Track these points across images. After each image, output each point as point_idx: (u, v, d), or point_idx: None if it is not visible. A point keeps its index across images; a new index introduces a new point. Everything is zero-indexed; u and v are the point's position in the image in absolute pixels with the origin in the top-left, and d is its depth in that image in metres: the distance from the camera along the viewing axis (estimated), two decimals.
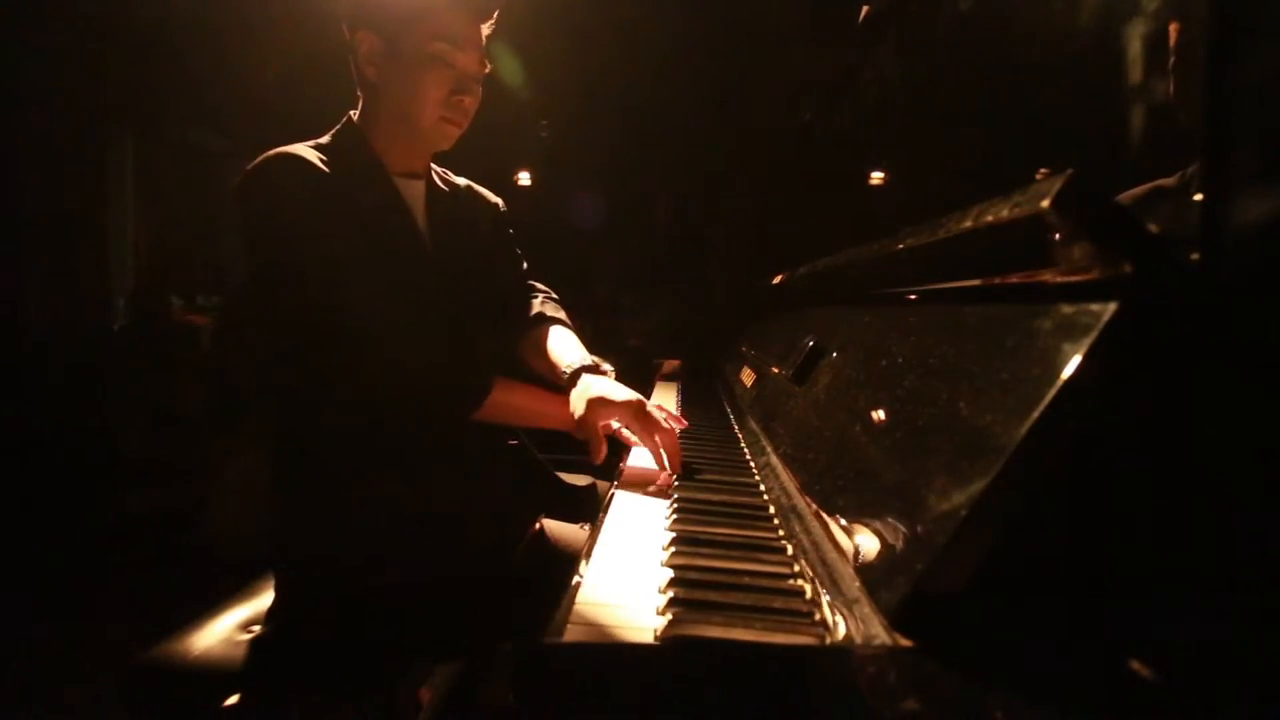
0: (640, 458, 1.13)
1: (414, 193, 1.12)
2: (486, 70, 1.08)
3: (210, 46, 3.53)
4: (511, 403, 1.06)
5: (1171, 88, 0.71)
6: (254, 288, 1.04)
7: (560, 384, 1.10)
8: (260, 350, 1.09)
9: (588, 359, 1.11)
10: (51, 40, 3.56)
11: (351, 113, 1.10)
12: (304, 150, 1.00)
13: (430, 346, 1.00)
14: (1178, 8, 0.63)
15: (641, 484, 0.98)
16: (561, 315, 1.30)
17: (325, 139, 1.06)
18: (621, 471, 1.06)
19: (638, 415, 0.99)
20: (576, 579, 0.64)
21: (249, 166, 0.97)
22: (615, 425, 1.05)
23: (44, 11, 3.41)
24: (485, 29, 1.07)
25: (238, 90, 3.77)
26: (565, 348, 1.17)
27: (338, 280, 0.96)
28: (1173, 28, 0.73)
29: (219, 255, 5.23)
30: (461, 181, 1.26)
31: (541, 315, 1.27)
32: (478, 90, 1.07)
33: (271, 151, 0.98)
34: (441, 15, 1.01)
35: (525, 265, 1.35)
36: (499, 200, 1.31)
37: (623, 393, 1.02)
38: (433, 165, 1.18)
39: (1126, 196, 0.67)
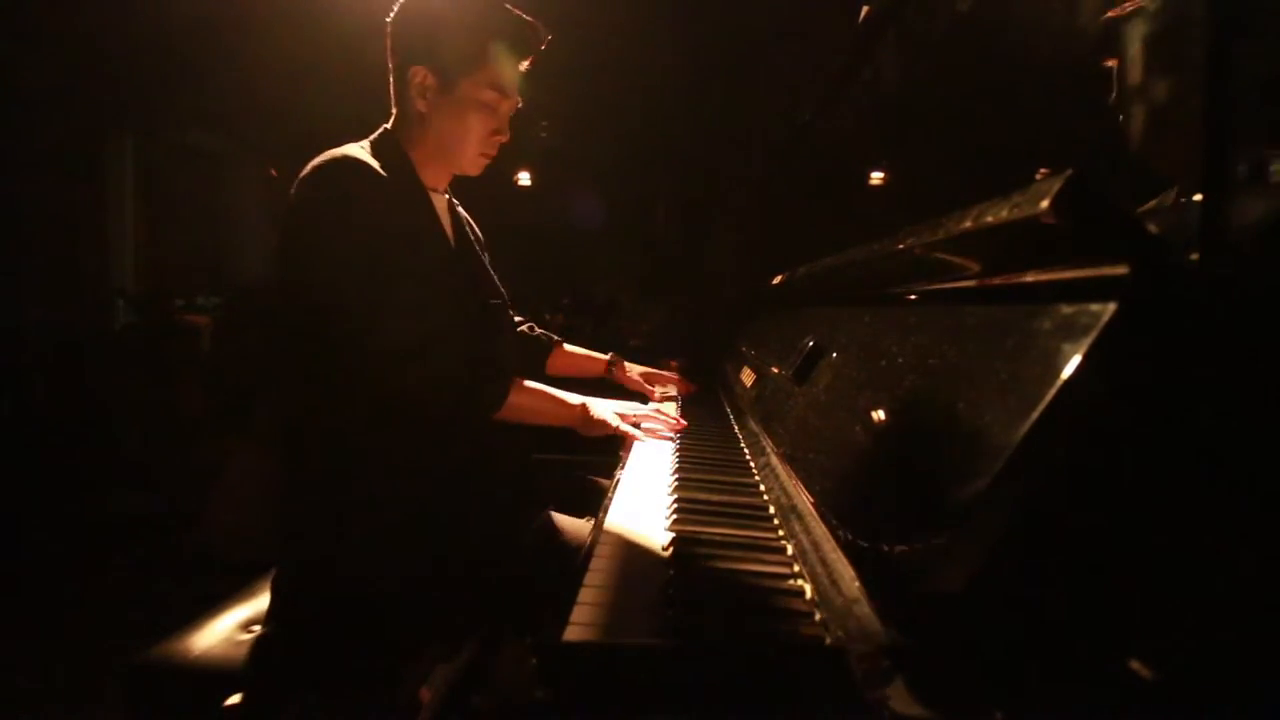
0: (641, 455, 1.13)
1: (440, 205, 1.17)
2: (519, 106, 1.15)
3: (210, 47, 3.53)
4: (524, 404, 1.10)
5: (1121, 120, 0.71)
6: (291, 282, 1.03)
7: (603, 368, 1.61)
8: (274, 345, 1.10)
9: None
10: (52, 40, 3.56)
11: (385, 126, 1.12)
12: (364, 155, 1.02)
13: (457, 348, 1.03)
14: (1180, 16, 0.63)
15: (643, 479, 0.98)
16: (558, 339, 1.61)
17: (367, 144, 1.09)
18: (622, 470, 1.06)
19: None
20: (580, 578, 0.64)
21: (313, 164, 0.99)
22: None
23: (44, 12, 3.41)
24: (523, 68, 1.15)
25: (238, 91, 3.77)
26: (587, 352, 1.59)
27: (386, 283, 0.97)
28: (1111, 64, 0.73)
29: (219, 256, 5.23)
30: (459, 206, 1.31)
31: (554, 338, 1.58)
32: (509, 128, 1.15)
33: (335, 152, 1.00)
34: (498, 66, 1.08)
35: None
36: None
37: (611, 412, 1.20)
38: None
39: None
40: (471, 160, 1.14)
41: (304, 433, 1.04)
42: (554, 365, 1.56)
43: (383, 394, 0.99)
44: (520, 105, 1.15)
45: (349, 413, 1.00)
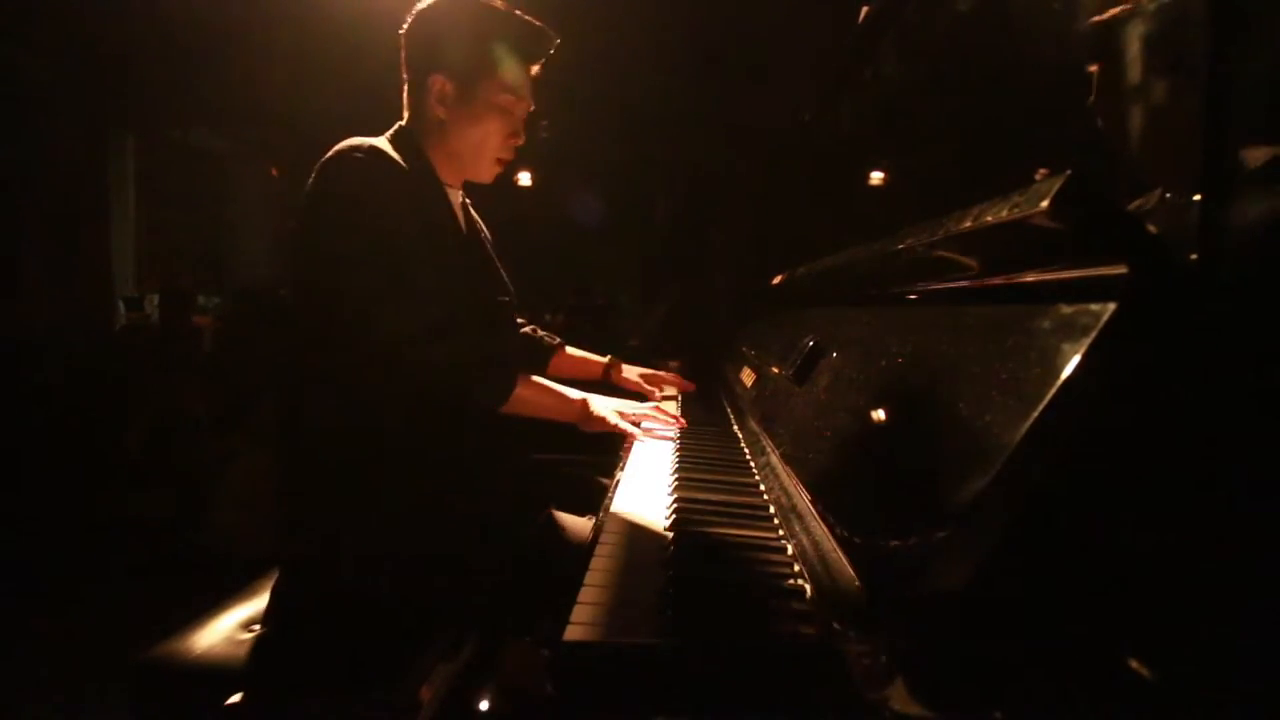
0: (641, 455, 1.13)
1: (455, 200, 1.19)
2: (532, 109, 1.18)
3: (210, 47, 3.53)
4: (528, 397, 1.11)
5: (1100, 123, 0.72)
6: (308, 270, 1.04)
7: (601, 371, 1.56)
8: (279, 341, 1.10)
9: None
10: (53, 41, 3.57)
11: (401, 123, 1.14)
12: (385, 146, 1.04)
13: (469, 340, 1.04)
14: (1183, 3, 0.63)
15: (643, 478, 0.98)
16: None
17: (386, 138, 1.10)
18: (622, 470, 1.06)
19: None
20: (578, 578, 0.64)
21: (335, 150, 1.00)
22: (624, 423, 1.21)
23: (45, 13, 3.41)
24: (534, 72, 1.17)
25: (238, 91, 3.78)
26: (585, 354, 1.58)
27: (396, 268, 0.98)
28: (1093, 69, 0.74)
29: (220, 256, 5.24)
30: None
31: (556, 341, 1.58)
32: (524, 130, 1.17)
33: (355, 140, 1.01)
34: (511, 69, 1.11)
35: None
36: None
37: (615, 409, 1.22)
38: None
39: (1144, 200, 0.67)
40: (488, 166, 1.16)
41: (304, 431, 1.04)
42: (555, 367, 1.57)
43: (391, 379, 0.99)
44: (532, 109, 1.17)
45: (350, 410, 1.01)
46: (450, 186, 1.18)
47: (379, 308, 0.97)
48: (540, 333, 1.58)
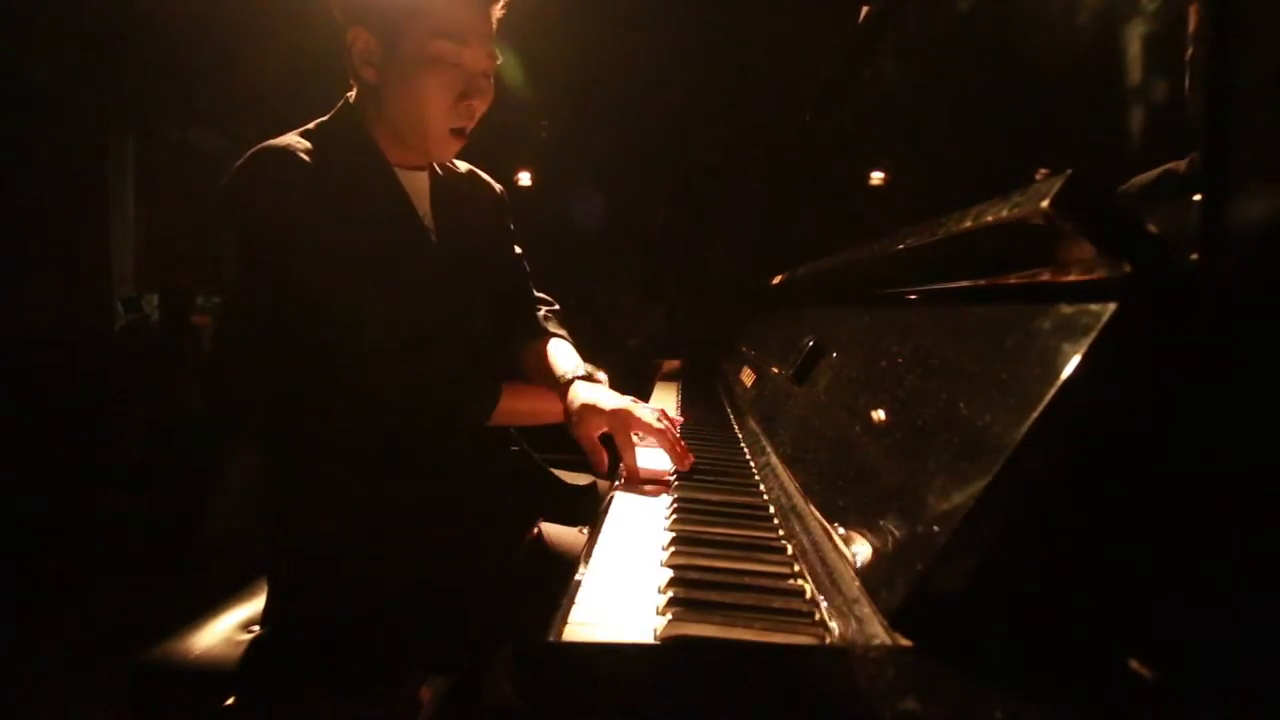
0: (641, 454, 1.13)
1: (418, 184, 1.06)
2: (498, 62, 0.98)
3: (210, 46, 3.53)
4: (517, 407, 1.05)
5: (1187, 78, 0.70)
6: (244, 295, 0.98)
7: (557, 391, 1.06)
8: (258, 354, 1.04)
9: (582, 368, 1.07)
10: (52, 40, 3.57)
11: (348, 95, 1.01)
12: (293, 141, 0.93)
13: (439, 355, 0.96)
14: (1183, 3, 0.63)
15: (641, 483, 0.98)
16: (563, 331, 1.26)
17: (317, 125, 0.99)
18: (621, 472, 1.06)
19: (625, 424, 0.95)
20: (576, 579, 0.64)
21: (235, 165, 0.91)
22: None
23: (45, 12, 3.41)
24: (496, 12, 0.97)
25: (238, 90, 3.77)
26: (563, 358, 1.13)
27: (335, 286, 0.89)
28: (1193, 9, 0.72)
29: (219, 256, 5.23)
30: (463, 167, 1.19)
31: (545, 329, 1.24)
32: (489, 89, 0.98)
33: (258, 147, 0.91)
34: (442, 8, 0.91)
35: (526, 265, 1.30)
36: (500, 188, 1.24)
37: (611, 400, 0.97)
38: None
39: (1137, 181, 0.67)
40: (439, 138, 0.96)
41: (297, 434, 1.03)
42: (530, 366, 1.18)
43: (363, 399, 0.95)
44: (498, 61, 0.98)
45: (338, 417, 0.99)
46: (409, 169, 1.03)
47: (325, 339, 0.90)
48: (540, 317, 1.27)
